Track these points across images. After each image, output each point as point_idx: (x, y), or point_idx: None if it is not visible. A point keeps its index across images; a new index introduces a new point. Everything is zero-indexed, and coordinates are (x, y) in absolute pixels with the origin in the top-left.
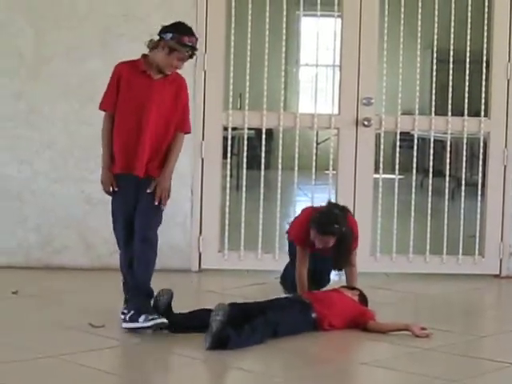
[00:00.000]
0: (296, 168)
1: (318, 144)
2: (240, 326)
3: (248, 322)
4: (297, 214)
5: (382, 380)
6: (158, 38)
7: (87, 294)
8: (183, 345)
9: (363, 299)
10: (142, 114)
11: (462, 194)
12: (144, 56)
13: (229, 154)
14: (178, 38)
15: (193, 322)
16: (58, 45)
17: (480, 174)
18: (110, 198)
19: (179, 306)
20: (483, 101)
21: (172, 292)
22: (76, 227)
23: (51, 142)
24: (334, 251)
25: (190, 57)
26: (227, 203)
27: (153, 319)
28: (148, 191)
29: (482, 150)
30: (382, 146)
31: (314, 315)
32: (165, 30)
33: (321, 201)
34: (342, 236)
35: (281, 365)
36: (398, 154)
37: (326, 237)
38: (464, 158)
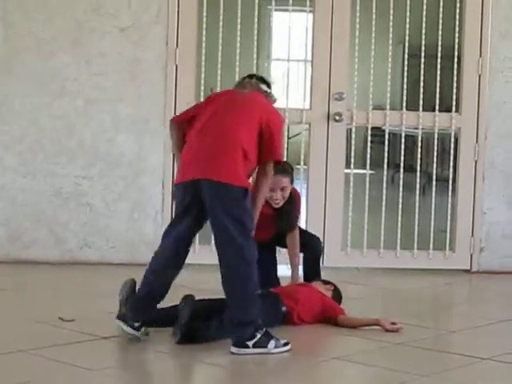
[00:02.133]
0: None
1: (289, 138)
2: (208, 319)
3: (216, 316)
4: None
5: (353, 375)
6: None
7: (57, 288)
8: (153, 339)
9: (337, 294)
10: None
11: (433, 189)
12: None
13: None
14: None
15: (162, 318)
16: (29, 38)
17: (451, 169)
18: (80, 192)
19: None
20: (454, 96)
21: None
22: (46, 221)
23: (21, 136)
24: (281, 213)
25: None
26: None
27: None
28: None
29: (453, 146)
30: (353, 141)
31: (284, 309)
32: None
33: None
34: (290, 198)
35: (250, 359)
36: (369, 149)
37: (280, 176)
38: (435, 154)
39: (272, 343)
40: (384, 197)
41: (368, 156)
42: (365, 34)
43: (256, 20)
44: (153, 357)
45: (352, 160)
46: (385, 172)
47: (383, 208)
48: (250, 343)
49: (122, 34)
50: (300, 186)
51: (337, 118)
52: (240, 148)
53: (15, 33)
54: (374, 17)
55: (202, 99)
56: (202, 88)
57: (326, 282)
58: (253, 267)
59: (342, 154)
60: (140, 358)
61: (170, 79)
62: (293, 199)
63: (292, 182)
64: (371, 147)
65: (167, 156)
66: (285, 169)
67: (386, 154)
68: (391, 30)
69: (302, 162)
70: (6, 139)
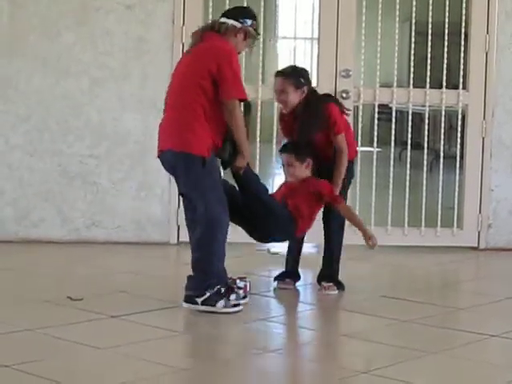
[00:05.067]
0: (274, 140)
1: None
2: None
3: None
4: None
5: (361, 352)
6: (232, 22)
7: (65, 268)
8: (160, 318)
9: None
10: None
11: (441, 166)
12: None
13: None
14: (256, 26)
15: None
16: (34, 18)
17: (458, 147)
18: (87, 171)
19: (158, 279)
20: (462, 73)
21: None
22: (53, 201)
23: (27, 116)
24: (301, 116)
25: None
26: None
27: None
28: None
29: (460, 123)
30: (360, 119)
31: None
32: (242, 15)
33: None
34: (307, 105)
35: (262, 334)
36: (376, 127)
37: (277, 79)
38: (442, 131)
39: (221, 303)
40: (391, 174)
41: (375, 134)
42: (371, 12)
43: None
44: (160, 335)
45: (359, 138)
46: (392, 149)
47: (391, 185)
48: (199, 300)
49: (127, 11)
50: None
51: (344, 95)
52: (195, 109)
53: (21, 13)
54: None
55: None
56: None
57: (301, 160)
58: (218, 229)
59: None
60: (146, 337)
61: (177, 58)
62: (311, 107)
63: (297, 84)
64: (378, 125)
65: None
66: (283, 71)
67: (393, 132)
68: (398, 7)
69: None
70: (13, 119)
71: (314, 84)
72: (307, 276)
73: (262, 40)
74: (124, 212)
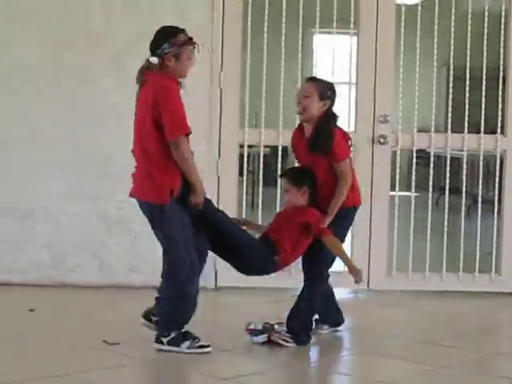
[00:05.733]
0: None
1: None
2: None
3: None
4: None
5: None
6: (153, 58)
7: (101, 312)
8: (204, 363)
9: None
10: None
11: (479, 210)
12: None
13: (245, 172)
14: (175, 41)
15: None
16: (73, 65)
17: (496, 191)
18: (126, 215)
19: (197, 323)
20: (499, 118)
21: None
22: (90, 245)
23: (65, 161)
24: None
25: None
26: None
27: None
28: None
29: (498, 167)
30: (398, 164)
31: (276, 258)
32: (156, 45)
33: None
34: (323, 122)
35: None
36: (414, 172)
37: (306, 83)
38: (480, 175)
39: (186, 343)
40: (429, 219)
41: (413, 178)
42: (409, 57)
43: (300, 42)
44: (201, 381)
45: (397, 182)
46: (430, 194)
47: (428, 230)
48: (165, 340)
49: None
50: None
51: (381, 140)
52: (152, 155)
53: (59, 61)
54: (418, 39)
55: (246, 123)
56: (247, 111)
57: (297, 187)
58: (185, 273)
59: (386, 177)
60: (187, 382)
61: (215, 103)
62: (325, 124)
63: (322, 94)
64: (416, 169)
65: (213, 179)
66: (314, 77)
67: (430, 177)
68: (436, 52)
69: None
70: (52, 163)
71: (351, 129)
72: (346, 321)
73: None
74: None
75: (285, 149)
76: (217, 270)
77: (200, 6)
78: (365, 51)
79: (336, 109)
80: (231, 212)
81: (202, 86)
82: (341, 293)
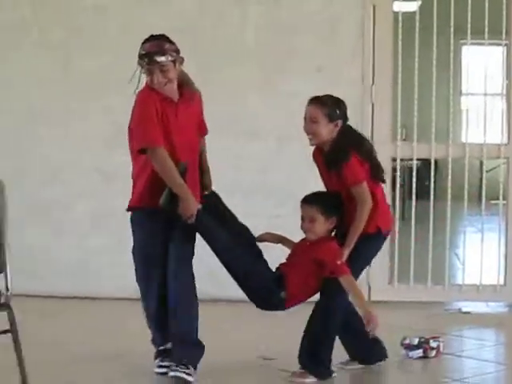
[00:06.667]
0: (466, 198)
1: (487, 172)
2: None
3: None
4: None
5: None
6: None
7: (254, 327)
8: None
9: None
10: None
11: None
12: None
13: (397, 186)
14: (139, 52)
15: None
16: (222, 80)
17: None
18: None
19: None
20: None
21: None
22: None
23: (220, 176)
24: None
25: (155, 63)
26: (396, 234)
27: None
28: None
29: None
30: None
31: (282, 294)
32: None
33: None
34: (338, 140)
35: None
36: None
37: (309, 106)
38: None
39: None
40: None
41: None
42: None
43: (452, 55)
44: None
45: None
46: None
47: None
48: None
49: (317, 73)
50: (498, 222)
51: None
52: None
53: (208, 76)
54: None
55: (398, 137)
56: (399, 125)
57: (326, 216)
58: (142, 287)
59: None
60: None
61: (366, 117)
62: (341, 142)
63: (331, 116)
64: None
65: None
66: (318, 97)
67: None
68: None
69: (500, 197)
70: None
71: (504, 140)
72: (499, 336)
73: (451, 97)
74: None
75: (436, 162)
76: (370, 285)
77: (350, 20)
78: None
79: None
80: None
81: (353, 100)
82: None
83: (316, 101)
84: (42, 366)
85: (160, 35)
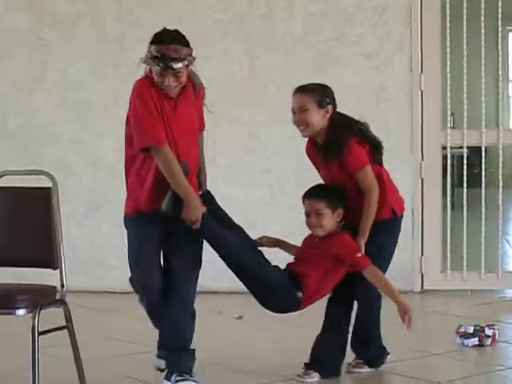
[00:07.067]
0: None
1: None
2: None
3: None
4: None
5: None
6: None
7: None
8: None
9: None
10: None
11: None
12: None
13: (448, 173)
14: (149, 49)
15: None
16: (272, 70)
17: None
18: None
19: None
20: None
21: None
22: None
23: (267, 168)
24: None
25: (170, 69)
26: (448, 223)
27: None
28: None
29: None
30: None
31: (299, 295)
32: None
33: None
34: (333, 128)
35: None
36: None
37: (295, 95)
38: None
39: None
40: None
41: None
42: None
43: (499, 41)
44: None
45: None
46: None
47: None
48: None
49: (365, 61)
50: None
51: None
52: (126, 166)
53: (259, 65)
54: None
55: (448, 125)
56: (449, 113)
57: (332, 208)
58: (142, 293)
59: None
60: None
61: (416, 106)
62: (335, 129)
63: (320, 102)
64: None
65: (416, 184)
66: (302, 86)
67: None
68: None
69: None
70: (254, 171)
71: None
72: None
73: (500, 84)
74: None
75: (485, 149)
76: (423, 273)
77: (398, 8)
78: None
79: None
80: (435, 214)
81: (403, 89)
82: None
83: (301, 89)
84: (97, 361)
85: (174, 32)
